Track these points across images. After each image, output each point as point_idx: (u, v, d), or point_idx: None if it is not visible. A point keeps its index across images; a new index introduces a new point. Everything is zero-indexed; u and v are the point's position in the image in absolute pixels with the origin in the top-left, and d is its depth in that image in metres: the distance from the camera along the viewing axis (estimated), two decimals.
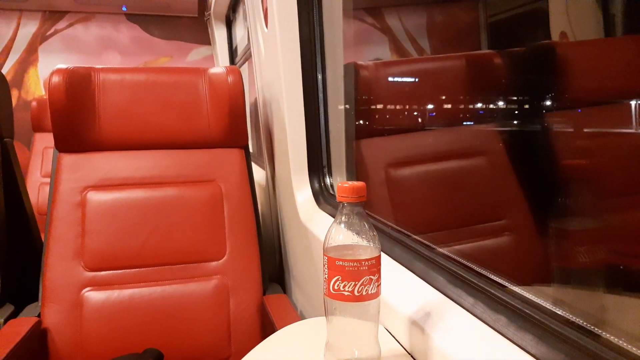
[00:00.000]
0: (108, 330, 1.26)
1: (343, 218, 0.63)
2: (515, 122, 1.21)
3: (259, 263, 1.40)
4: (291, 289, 1.57)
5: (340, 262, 0.61)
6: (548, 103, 1.09)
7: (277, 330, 0.86)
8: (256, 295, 1.36)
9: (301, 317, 1.36)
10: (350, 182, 0.62)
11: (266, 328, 1.30)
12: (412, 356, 0.70)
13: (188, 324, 1.29)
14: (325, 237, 0.63)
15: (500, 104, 1.28)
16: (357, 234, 0.63)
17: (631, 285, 0.66)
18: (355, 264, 0.60)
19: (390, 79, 1.52)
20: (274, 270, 1.71)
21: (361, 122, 1.49)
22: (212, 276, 1.35)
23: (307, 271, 1.37)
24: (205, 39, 3.70)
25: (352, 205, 0.63)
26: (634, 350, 0.46)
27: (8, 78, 1.67)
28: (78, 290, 1.28)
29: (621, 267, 0.72)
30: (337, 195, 0.63)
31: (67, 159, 1.39)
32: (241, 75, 1.48)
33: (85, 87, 1.39)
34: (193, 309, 1.30)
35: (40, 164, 3.01)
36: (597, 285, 0.72)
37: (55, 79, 1.34)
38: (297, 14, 1.33)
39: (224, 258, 1.37)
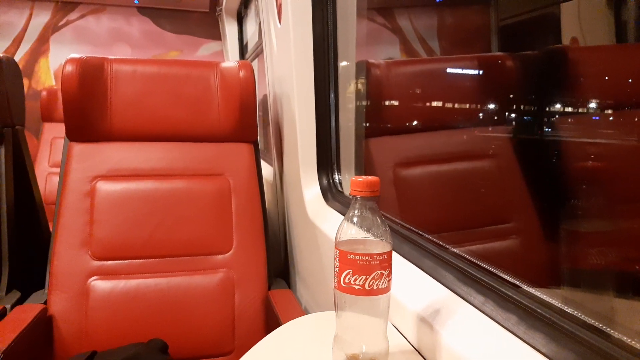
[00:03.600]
0: (113, 320, 1.26)
1: (355, 212, 0.63)
2: (525, 125, 1.21)
3: (264, 258, 1.40)
4: (296, 284, 1.57)
5: (352, 256, 0.61)
6: (559, 107, 1.09)
7: (281, 324, 0.86)
8: (261, 290, 1.36)
9: (306, 312, 1.36)
10: (364, 177, 0.62)
11: (270, 323, 1.30)
12: (419, 353, 0.70)
13: (193, 316, 1.29)
14: (337, 231, 0.64)
15: (511, 106, 1.28)
16: (369, 228, 0.63)
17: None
18: (366, 258, 0.61)
19: (401, 78, 1.52)
20: (279, 265, 1.72)
21: (371, 120, 1.49)
22: (218, 269, 1.35)
23: (312, 267, 1.37)
24: (216, 34, 3.70)
25: (365, 199, 0.63)
26: None
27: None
28: (85, 279, 1.28)
29: (630, 269, 0.71)
30: (350, 190, 0.63)
31: (78, 148, 1.40)
32: (253, 70, 1.48)
33: (97, 77, 1.40)
34: (198, 302, 1.31)
35: (48, 153, 3.03)
36: (606, 286, 0.72)
37: (69, 68, 1.34)
38: (311, 10, 1.34)
39: (230, 252, 1.38)
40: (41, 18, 3.47)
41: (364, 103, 1.48)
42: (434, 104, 1.51)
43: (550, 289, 0.64)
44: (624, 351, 0.46)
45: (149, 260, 1.33)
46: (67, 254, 1.30)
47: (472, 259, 0.75)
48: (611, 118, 0.94)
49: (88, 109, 1.38)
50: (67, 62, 1.35)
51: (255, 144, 1.52)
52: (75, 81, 1.34)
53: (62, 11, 3.51)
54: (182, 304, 1.30)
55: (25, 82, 3.42)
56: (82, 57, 1.38)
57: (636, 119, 0.87)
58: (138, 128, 1.43)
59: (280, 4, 1.44)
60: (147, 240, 1.34)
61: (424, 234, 0.94)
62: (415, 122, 1.48)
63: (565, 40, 1.07)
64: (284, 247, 1.69)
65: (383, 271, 0.61)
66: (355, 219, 0.63)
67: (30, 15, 3.45)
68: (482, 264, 0.73)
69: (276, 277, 1.48)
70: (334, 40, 1.38)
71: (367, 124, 1.48)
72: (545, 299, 0.59)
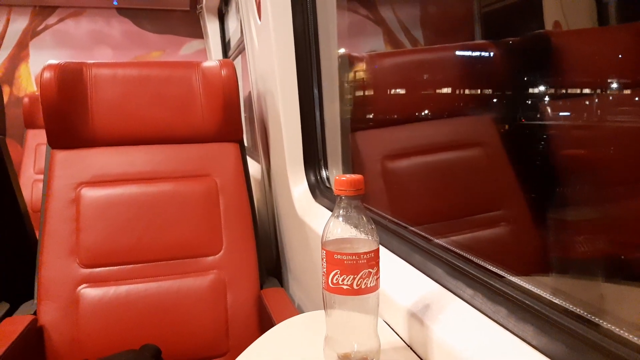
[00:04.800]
0: (105, 327, 1.25)
1: (341, 211, 0.63)
2: (510, 112, 1.21)
3: (255, 257, 1.40)
4: (288, 282, 1.57)
5: (339, 256, 0.60)
6: (543, 93, 1.08)
7: (275, 324, 0.85)
8: (253, 290, 1.35)
9: (299, 310, 1.36)
10: (347, 175, 0.61)
11: (264, 322, 1.30)
12: (411, 348, 0.70)
13: (185, 319, 1.29)
14: (323, 231, 0.63)
15: (496, 94, 1.27)
16: (355, 227, 0.62)
17: (630, 274, 0.66)
18: (353, 257, 0.60)
19: (385, 70, 1.51)
20: (270, 264, 1.71)
21: (357, 114, 1.48)
22: (209, 271, 1.34)
23: (304, 264, 1.37)
24: (198, 33, 3.67)
25: (350, 198, 0.62)
26: (635, 339, 0.46)
27: None
28: (74, 287, 1.27)
29: (619, 257, 0.72)
30: (334, 189, 0.62)
31: (60, 155, 1.38)
32: (235, 69, 1.46)
33: (77, 83, 1.38)
34: (190, 304, 1.30)
35: (33, 160, 2.99)
36: (595, 274, 0.72)
37: (47, 74, 1.32)
38: (290, 5, 1.32)
39: (221, 253, 1.37)
40: (19, 24, 3.42)
41: (349, 97, 1.48)
42: (419, 94, 1.51)
43: (539, 277, 0.64)
44: (612, 341, 0.46)
45: (138, 265, 1.32)
46: (54, 263, 1.28)
47: (461, 252, 0.75)
48: (596, 101, 0.94)
49: (69, 115, 1.36)
50: (44, 68, 1.33)
51: (241, 142, 1.51)
52: (55, 88, 1.32)
53: (40, 16, 3.45)
54: (173, 308, 1.29)
55: (6, 89, 3.37)
56: (60, 62, 1.35)
57: (622, 102, 0.87)
58: (121, 132, 1.41)
59: (259, 1, 1.42)
60: (135, 245, 1.33)
61: (411, 227, 0.94)
62: (401, 114, 1.48)
63: (548, 25, 1.07)
64: (275, 245, 1.69)
65: (371, 269, 0.61)
66: (340, 218, 0.63)
67: (8, 21, 3.39)
68: (470, 257, 0.72)
69: (268, 276, 1.47)
70: (315, 35, 1.37)
71: (353, 118, 1.47)
72: (534, 290, 0.59)
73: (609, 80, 0.90)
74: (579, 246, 0.81)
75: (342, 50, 1.41)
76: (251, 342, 0.77)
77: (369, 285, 0.61)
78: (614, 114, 0.87)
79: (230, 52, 3.03)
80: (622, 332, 0.47)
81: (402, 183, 1.41)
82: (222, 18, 3.26)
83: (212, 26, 3.29)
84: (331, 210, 1.12)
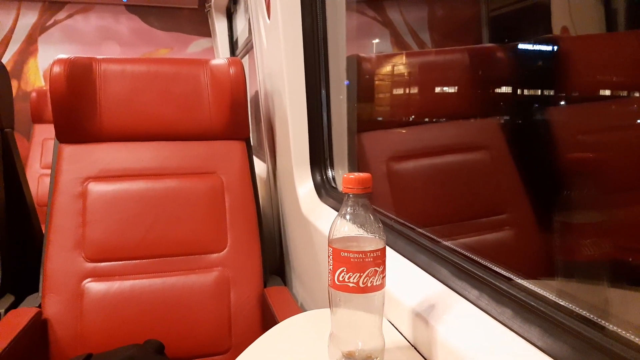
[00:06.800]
0: (109, 321, 1.26)
1: (348, 209, 0.63)
2: (516, 115, 1.21)
3: (259, 255, 1.40)
4: (292, 281, 1.57)
5: (345, 254, 0.61)
6: (549, 97, 1.08)
7: (278, 322, 0.85)
8: (257, 288, 1.36)
9: (302, 309, 1.36)
10: (355, 174, 0.62)
11: (267, 320, 1.30)
12: (415, 349, 0.70)
13: (189, 315, 1.29)
14: (330, 229, 0.63)
15: (502, 97, 1.27)
16: (362, 225, 0.62)
17: (635, 277, 0.66)
18: (360, 255, 0.60)
19: (392, 71, 1.51)
20: (274, 262, 1.71)
21: (363, 115, 1.48)
22: (213, 268, 1.35)
23: (308, 264, 1.37)
24: (206, 31, 3.68)
25: (358, 196, 0.62)
26: None
27: (7, 69, 1.65)
28: (79, 281, 1.28)
29: (624, 260, 0.72)
30: (342, 187, 0.63)
31: (68, 149, 1.38)
32: (243, 67, 1.47)
33: (86, 78, 1.38)
34: (194, 301, 1.30)
35: (39, 155, 3.00)
36: (600, 278, 0.72)
37: (56, 69, 1.33)
38: (300, 5, 1.33)
39: (225, 250, 1.37)
40: (28, 18, 3.44)
41: (356, 97, 1.48)
42: (426, 96, 1.51)
43: (545, 280, 0.64)
44: (618, 343, 0.46)
45: (143, 260, 1.33)
46: (60, 257, 1.29)
47: (466, 253, 0.75)
48: (598, 106, 0.94)
49: (77, 110, 1.37)
50: (54, 63, 1.34)
51: (247, 141, 1.51)
52: (64, 82, 1.33)
53: (49, 11, 3.47)
54: (177, 304, 1.29)
55: (15, 83, 3.39)
56: (70, 57, 1.36)
57: (628, 108, 0.87)
58: (128, 128, 1.42)
59: (269, 0, 1.43)
60: (140, 241, 1.33)
61: (417, 228, 0.94)
62: (407, 116, 1.48)
63: (556, 30, 1.07)
64: (279, 244, 1.69)
65: (377, 268, 0.61)
66: (348, 216, 0.63)
67: (17, 15, 3.41)
68: (476, 258, 0.73)
69: (272, 275, 1.48)
70: (324, 35, 1.37)
71: (359, 119, 1.47)
72: (539, 292, 0.59)
73: (616, 86, 0.90)
74: (584, 249, 0.81)
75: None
76: (254, 339, 0.77)
77: (374, 284, 0.61)
78: (618, 119, 0.87)
79: (238, 51, 3.04)
80: (628, 334, 0.47)
81: (408, 184, 1.41)
82: (230, 17, 3.27)
83: (220, 25, 3.30)
84: (336, 210, 1.12)
